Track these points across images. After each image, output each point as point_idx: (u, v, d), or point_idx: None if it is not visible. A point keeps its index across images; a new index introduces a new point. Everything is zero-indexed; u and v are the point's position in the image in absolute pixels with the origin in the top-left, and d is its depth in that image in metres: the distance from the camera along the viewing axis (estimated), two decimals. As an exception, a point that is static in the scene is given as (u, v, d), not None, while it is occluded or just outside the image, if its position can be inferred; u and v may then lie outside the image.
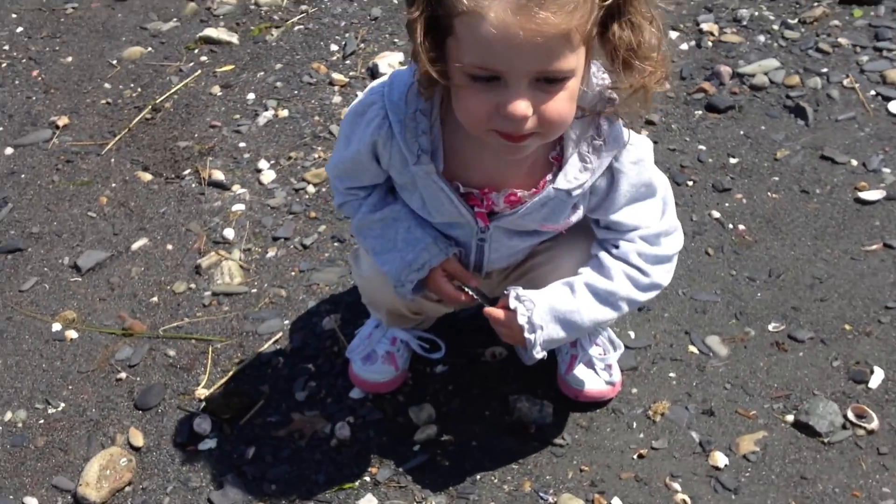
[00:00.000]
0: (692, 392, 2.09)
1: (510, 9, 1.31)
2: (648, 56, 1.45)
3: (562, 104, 1.42)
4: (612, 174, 1.64)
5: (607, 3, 1.38)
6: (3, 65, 3.31)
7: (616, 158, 1.62)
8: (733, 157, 2.67)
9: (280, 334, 2.30)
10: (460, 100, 1.46)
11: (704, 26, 3.12)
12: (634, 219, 1.70)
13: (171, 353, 2.29)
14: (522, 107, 1.39)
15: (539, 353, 1.75)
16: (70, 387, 2.23)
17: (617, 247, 1.72)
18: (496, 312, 1.75)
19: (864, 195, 2.50)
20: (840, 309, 2.24)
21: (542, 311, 1.71)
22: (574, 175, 1.60)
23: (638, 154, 1.64)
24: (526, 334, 1.72)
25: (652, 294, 1.76)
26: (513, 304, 1.72)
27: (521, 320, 1.71)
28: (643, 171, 1.66)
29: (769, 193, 2.56)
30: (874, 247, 2.39)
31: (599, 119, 1.58)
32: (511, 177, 1.64)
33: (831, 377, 2.10)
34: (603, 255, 1.73)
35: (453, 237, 1.78)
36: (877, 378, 2.07)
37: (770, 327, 2.21)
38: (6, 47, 3.39)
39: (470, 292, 1.78)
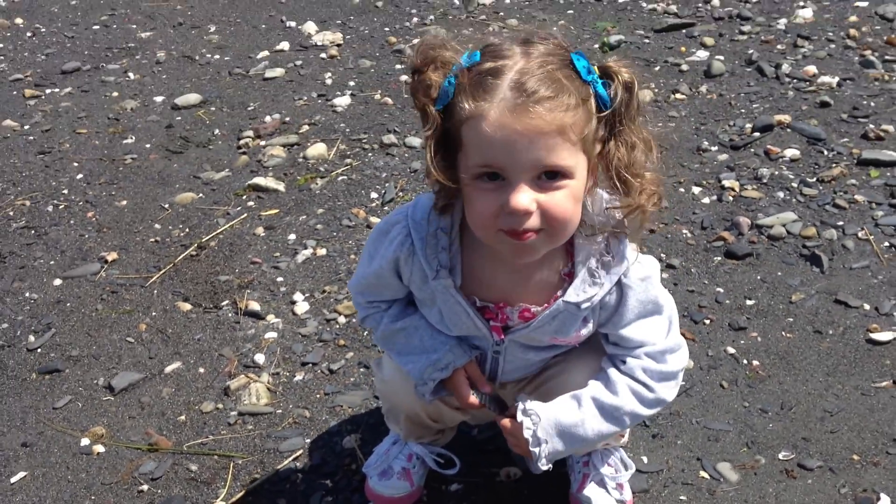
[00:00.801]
0: (702, 515, 2.10)
1: (507, 108, 1.47)
2: (641, 174, 1.59)
3: (564, 201, 1.53)
4: (620, 290, 1.72)
5: (604, 116, 1.53)
6: (61, 207, 3.52)
7: (624, 275, 1.71)
8: (750, 299, 2.75)
9: (300, 452, 2.36)
10: (469, 203, 1.58)
11: (726, 183, 3.26)
12: (641, 335, 1.77)
13: (194, 467, 2.35)
14: (524, 200, 1.51)
15: (544, 466, 1.80)
16: (92, 497, 2.29)
17: (624, 362, 1.79)
18: (506, 422, 1.82)
19: (876, 336, 2.55)
20: (849, 440, 2.26)
21: (547, 425, 1.78)
22: (583, 289, 1.70)
23: (645, 271, 1.73)
24: (531, 447, 1.78)
25: (656, 409, 1.82)
26: (520, 417, 1.79)
27: (527, 434, 1.78)
28: (650, 288, 1.74)
29: (783, 333, 2.62)
30: (884, 384, 2.42)
31: (608, 238, 1.68)
32: (525, 292, 1.74)
33: (839, 503, 2.10)
34: (611, 370, 1.80)
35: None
36: (883, 504, 2.08)
37: (780, 456, 2.23)
38: (65, 191, 3.61)
39: (483, 400, 1.84)
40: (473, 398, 1.85)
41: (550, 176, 1.51)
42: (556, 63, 1.50)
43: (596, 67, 1.55)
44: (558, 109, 1.46)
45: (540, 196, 1.52)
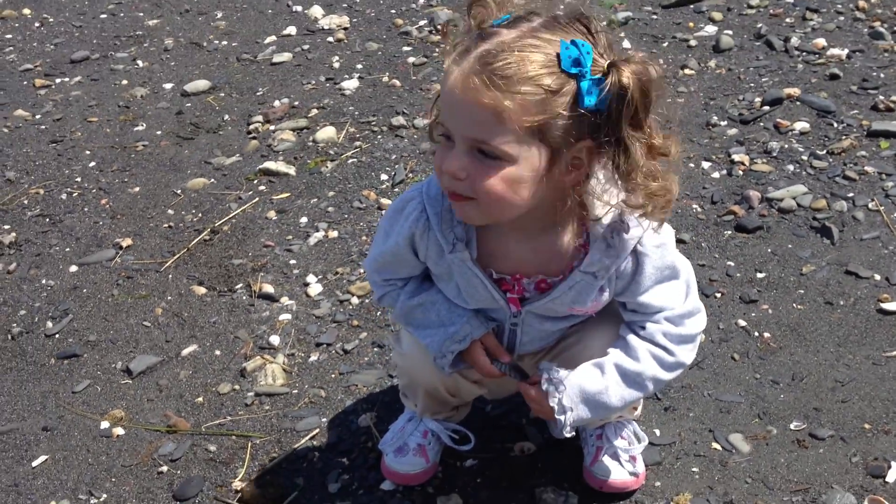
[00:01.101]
0: (714, 486, 2.12)
1: (463, 72, 1.50)
2: (641, 180, 1.56)
3: (494, 182, 1.54)
4: (636, 257, 1.73)
5: (582, 114, 1.51)
6: (75, 194, 3.55)
7: (640, 243, 1.71)
8: (760, 272, 2.76)
9: (317, 431, 2.39)
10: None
11: (736, 157, 3.26)
12: (660, 300, 1.78)
13: (212, 448, 2.38)
14: (452, 164, 1.56)
15: (569, 433, 1.83)
16: (113, 479, 2.33)
17: (644, 328, 1.81)
18: (530, 390, 1.85)
19: (887, 306, 2.56)
20: (860, 409, 2.28)
21: (572, 393, 1.80)
22: (599, 258, 1.71)
23: (661, 238, 1.73)
24: (556, 415, 1.80)
25: (677, 373, 1.84)
26: (545, 385, 1.81)
27: (553, 402, 1.80)
28: (666, 255, 1.75)
29: (794, 305, 2.63)
30: (895, 353, 2.43)
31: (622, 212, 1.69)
32: (541, 263, 1.76)
33: (850, 472, 2.12)
34: (630, 336, 1.82)
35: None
36: (894, 472, 2.10)
37: (792, 426, 2.25)
38: (78, 179, 3.64)
39: (504, 369, 1.87)
40: (493, 367, 1.87)
41: (485, 153, 1.53)
42: (540, 47, 1.49)
43: (604, 62, 1.50)
44: (503, 91, 1.47)
45: (472, 168, 1.54)
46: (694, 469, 2.17)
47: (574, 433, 1.85)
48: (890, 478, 2.09)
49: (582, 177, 1.61)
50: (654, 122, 1.57)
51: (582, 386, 1.80)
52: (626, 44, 4.17)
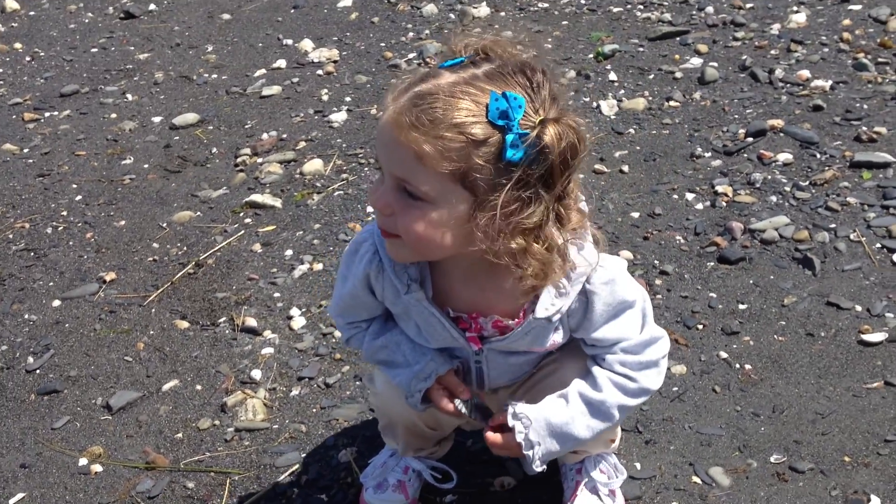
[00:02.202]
0: (694, 520, 2.10)
1: (395, 110, 1.51)
2: (521, 238, 1.55)
3: (414, 222, 1.55)
4: (585, 296, 1.72)
5: (504, 166, 1.50)
6: (60, 228, 3.55)
7: (588, 280, 1.70)
8: (742, 303, 2.76)
9: (297, 466, 2.38)
10: None
11: (719, 188, 3.26)
12: (614, 333, 1.78)
13: (191, 485, 2.36)
14: (379, 200, 1.58)
15: (539, 467, 1.81)
16: (92, 516, 2.31)
17: (604, 359, 1.80)
18: (490, 436, 1.83)
19: (868, 337, 2.56)
20: (841, 442, 2.27)
21: (538, 426, 1.78)
22: (550, 302, 1.70)
23: (608, 274, 1.72)
24: (524, 451, 1.79)
25: (642, 399, 1.83)
26: (510, 420, 1.80)
27: (519, 437, 1.78)
28: (616, 290, 1.74)
29: (776, 336, 2.62)
30: (875, 385, 2.43)
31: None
32: (494, 302, 1.74)
33: (830, 505, 2.11)
34: (594, 367, 1.81)
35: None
36: (874, 506, 2.09)
37: (772, 459, 2.24)
38: (64, 213, 3.64)
39: (462, 408, 1.85)
40: (451, 405, 1.85)
41: (409, 193, 1.54)
42: (473, 95, 1.49)
43: (535, 118, 1.50)
44: (425, 134, 1.47)
45: (397, 205, 1.56)
46: (674, 503, 2.15)
47: (546, 468, 1.82)
48: (869, 511, 2.08)
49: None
50: (573, 188, 1.59)
51: (548, 419, 1.79)
52: (613, 76, 4.19)
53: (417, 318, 1.79)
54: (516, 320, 1.74)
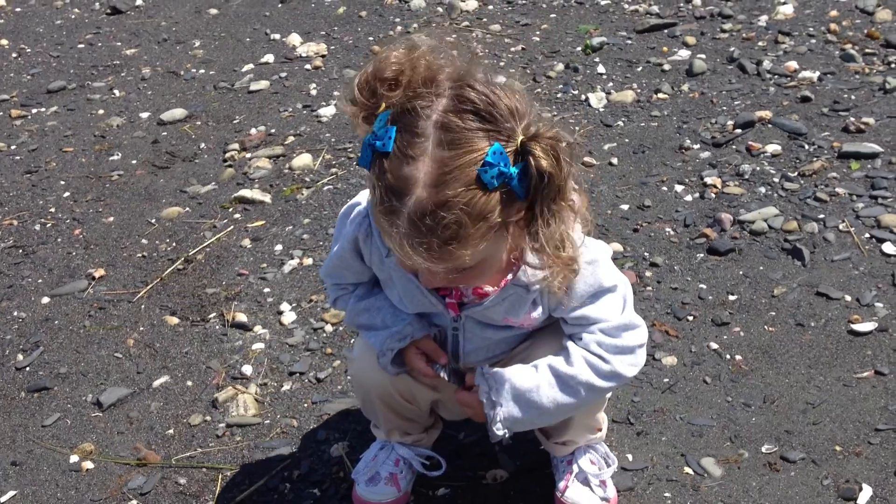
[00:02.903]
0: (686, 511, 2.11)
1: (408, 244, 1.53)
2: (552, 251, 1.59)
3: (475, 280, 1.70)
4: None
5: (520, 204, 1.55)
6: (49, 225, 3.54)
7: None
8: (732, 294, 2.76)
9: (288, 461, 2.37)
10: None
11: (708, 180, 3.27)
12: (594, 314, 1.79)
13: (182, 480, 2.36)
14: (433, 282, 1.68)
15: (499, 430, 1.82)
16: (83, 514, 2.31)
17: (581, 338, 1.81)
18: (464, 395, 1.88)
19: (857, 327, 2.57)
20: (832, 431, 2.28)
21: (502, 388, 1.81)
22: (531, 272, 1.72)
23: (592, 255, 1.74)
24: (486, 409, 1.82)
25: (612, 383, 1.83)
26: (477, 380, 1.83)
27: (482, 396, 1.82)
28: (598, 271, 1.76)
29: (766, 327, 2.63)
30: (866, 374, 2.44)
31: None
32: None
33: (821, 495, 2.12)
34: (569, 343, 1.83)
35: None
36: (865, 495, 2.11)
37: (763, 449, 2.25)
38: (52, 209, 3.63)
39: (440, 371, 1.88)
40: (427, 367, 1.88)
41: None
42: (459, 179, 1.46)
43: (514, 148, 1.49)
44: (457, 249, 1.50)
45: (453, 279, 1.63)
46: (666, 494, 2.16)
47: (508, 436, 1.83)
48: (861, 500, 2.09)
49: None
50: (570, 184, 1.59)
51: (513, 382, 1.80)
52: (601, 69, 4.19)
53: (398, 282, 1.82)
54: (496, 288, 1.76)
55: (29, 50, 5.18)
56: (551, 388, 1.80)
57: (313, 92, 4.34)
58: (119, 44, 5.15)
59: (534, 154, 1.48)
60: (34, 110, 4.46)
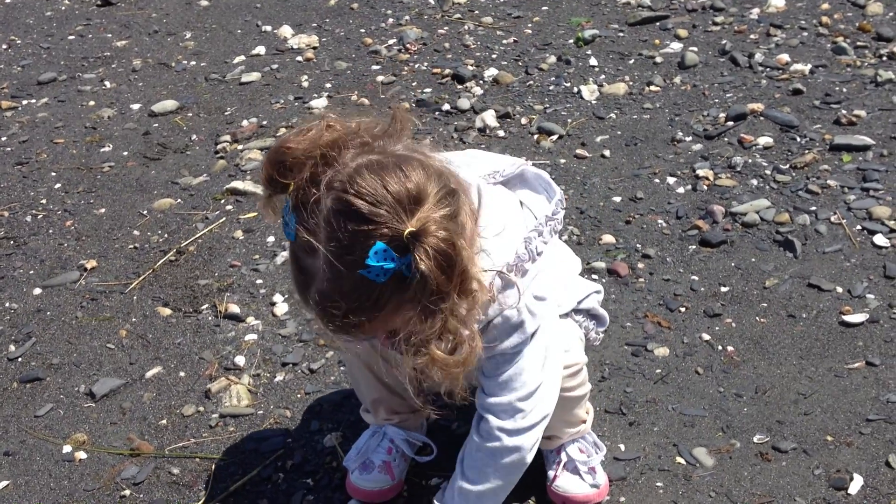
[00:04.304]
0: (678, 500, 2.12)
1: (321, 328, 1.59)
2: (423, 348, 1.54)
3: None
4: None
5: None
6: (40, 216, 3.53)
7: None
8: (724, 286, 2.78)
9: (282, 451, 2.37)
10: None
11: (700, 172, 3.28)
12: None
13: (176, 471, 2.36)
14: None
15: None
16: (76, 504, 2.31)
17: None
18: None
19: (849, 318, 2.58)
20: (823, 422, 2.30)
21: None
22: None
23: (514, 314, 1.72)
24: None
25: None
26: None
27: None
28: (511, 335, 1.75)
29: (758, 318, 2.64)
30: (857, 365, 2.45)
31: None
32: None
33: (812, 485, 2.14)
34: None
35: None
36: (856, 485, 2.12)
37: (755, 439, 2.26)
38: (43, 201, 3.62)
39: None
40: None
41: None
42: (350, 281, 1.45)
43: (399, 241, 1.43)
44: (366, 330, 1.52)
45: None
46: (658, 484, 2.17)
47: None
48: (852, 490, 2.10)
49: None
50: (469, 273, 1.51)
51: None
52: (593, 61, 4.19)
53: None
54: None
55: (19, 41, 5.16)
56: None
57: (305, 84, 4.33)
58: (110, 35, 5.13)
59: (414, 255, 1.43)
60: (24, 101, 4.44)
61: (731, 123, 3.56)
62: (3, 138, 4.11)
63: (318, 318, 1.53)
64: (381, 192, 1.43)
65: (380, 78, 4.29)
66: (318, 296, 1.49)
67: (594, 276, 2.84)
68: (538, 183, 1.87)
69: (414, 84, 4.20)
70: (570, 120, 3.76)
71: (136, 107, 4.29)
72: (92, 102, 4.37)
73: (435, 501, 1.92)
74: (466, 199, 1.57)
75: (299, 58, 4.60)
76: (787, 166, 3.27)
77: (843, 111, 3.54)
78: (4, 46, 5.10)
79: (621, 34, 4.45)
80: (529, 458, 1.84)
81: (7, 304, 3.04)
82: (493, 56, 4.36)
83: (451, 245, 1.45)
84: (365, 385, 2.13)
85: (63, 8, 5.58)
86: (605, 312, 2.10)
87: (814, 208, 3.03)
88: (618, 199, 3.22)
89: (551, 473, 2.12)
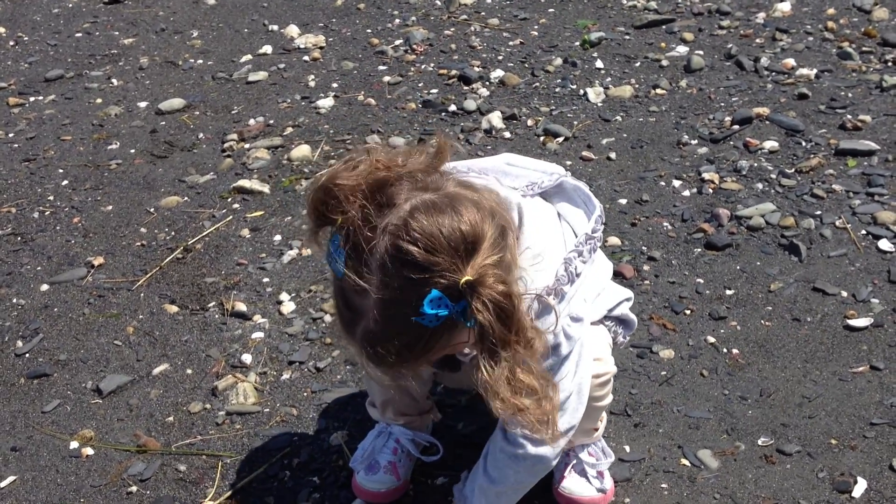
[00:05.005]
0: (683, 502, 2.14)
1: (367, 363, 1.59)
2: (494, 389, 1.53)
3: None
4: None
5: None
6: (47, 213, 3.54)
7: None
8: (729, 289, 2.79)
9: (288, 449, 2.39)
10: None
11: (706, 175, 3.29)
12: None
13: (182, 467, 2.37)
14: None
15: None
16: (82, 500, 2.31)
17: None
18: None
19: (854, 322, 2.59)
20: (827, 425, 2.31)
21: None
22: None
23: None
24: None
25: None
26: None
27: None
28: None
29: (762, 321, 2.66)
30: (861, 369, 2.46)
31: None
32: None
33: (816, 487, 2.15)
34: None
35: None
36: (860, 488, 2.13)
37: (760, 442, 2.27)
38: (51, 197, 3.63)
39: None
40: None
41: None
42: (401, 325, 1.45)
43: (456, 288, 1.42)
44: (410, 369, 1.55)
45: None
46: (663, 485, 2.18)
47: None
48: (856, 493, 2.11)
49: None
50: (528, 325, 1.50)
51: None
52: (599, 64, 4.20)
53: None
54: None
55: (26, 38, 5.18)
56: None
57: (311, 83, 4.34)
58: (117, 33, 5.15)
59: (472, 304, 1.42)
60: (32, 98, 4.46)
61: (736, 127, 3.57)
62: (11, 135, 4.12)
63: (363, 356, 1.51)
64: (436, 238, 1.41)
65: (386, 78, 4.30)
66: (367, 336, 1.48)
67: (600, 278, 2.85)
68: (577, 195, 1.84)
69: (420, 85, 4.21)
70: (576, 122, 3.77)
71: (143, 104, 4.30)
72: (99, 100, 4.38)
73: (454, 491, 1.97)
74: (512, 230, 1.55)
75: (306, 57, 4.61)
76: (793, 170, 3.28)
77: (849, 116, 3.55)
78: (12, 43, 5.12)
79: (627, 37, 4.46)
80: (553, 464, 1.86)
81: (14, 300, 3.05)
82: (500, 57, 4.38)
83: (508, 297, 1.44)
84: (378, 386, 2.14)
85: (70, 5, 5.60)
86: (634, 317, 2.05)
87: (819, 212, 3.05)
88: (623, 201, 3.24)
89: (558, 474, 2.13)
